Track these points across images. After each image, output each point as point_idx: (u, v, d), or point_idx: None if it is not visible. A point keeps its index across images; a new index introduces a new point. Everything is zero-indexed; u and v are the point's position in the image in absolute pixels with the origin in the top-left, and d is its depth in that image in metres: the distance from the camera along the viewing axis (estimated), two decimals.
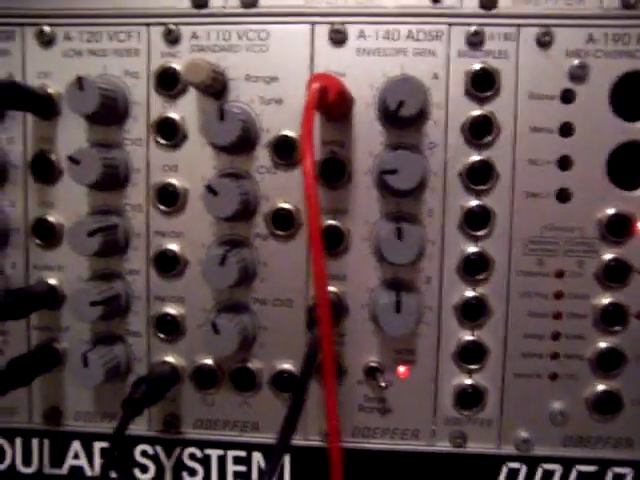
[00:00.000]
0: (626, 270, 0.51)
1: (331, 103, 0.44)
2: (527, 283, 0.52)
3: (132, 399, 0.48)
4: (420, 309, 0.51)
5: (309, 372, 0.45)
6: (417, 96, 0.47)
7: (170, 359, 0.55)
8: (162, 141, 0.53)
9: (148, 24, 0.53)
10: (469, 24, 0.51)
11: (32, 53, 0.54)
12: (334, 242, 0.53)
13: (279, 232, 0.53)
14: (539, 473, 0.54)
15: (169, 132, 0.53)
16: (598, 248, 0.52)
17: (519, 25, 0.51)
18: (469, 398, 0.53)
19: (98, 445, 0.57)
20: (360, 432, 0.55)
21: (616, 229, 0.51)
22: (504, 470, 0.54)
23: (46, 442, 0.57)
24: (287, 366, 0.54)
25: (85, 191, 0.54)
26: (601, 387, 0.53)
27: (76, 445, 0.57)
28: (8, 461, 0.57)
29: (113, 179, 0.53)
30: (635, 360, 0.52)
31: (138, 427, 0.56)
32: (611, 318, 0.52)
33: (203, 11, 0.52)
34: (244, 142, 0.51)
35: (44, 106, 0.53)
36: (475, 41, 0.51)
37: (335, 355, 0.53)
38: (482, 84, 0.51)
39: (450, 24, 0.51)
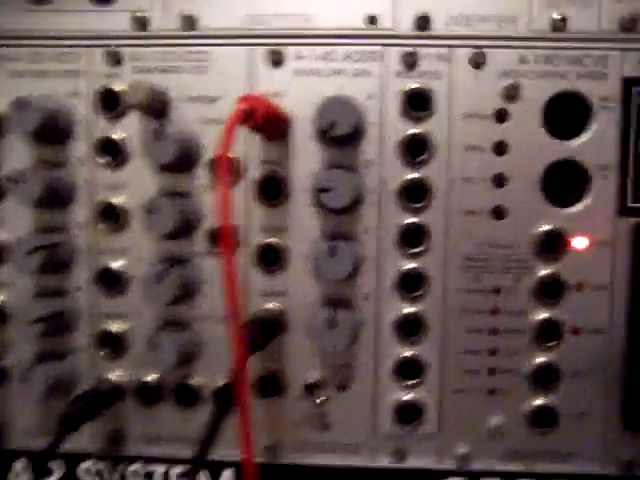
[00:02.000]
0: (560, 286, 0.52)
1: (259, 125, 0.45)
2: (464, 299, 0.53)
3: (67, 415, 0.49)
4: (356, 325, 0.51)
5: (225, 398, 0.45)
6: (348, 116, 0.48)
7: (114, 375, 0.55)
8: (105, 160, 0.54)
9: (90, 46, 0.54)
10: (404, 45, 0.52)
11: None
12: (273, 259, 0.53)
13: (218, 249, 0.53)
14: None
15: (112, 151, 0.54)
16: (533, 264, 0.52)
17: (452, 46, 0.52)
18: (408, 413, 0.54)
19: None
20: (300, 447, 0.55)
21: (550, 245, 0.52)
22: None
23: None
24: None
25: (30, 209, 0.54)
26: (538, 401, 0.53)
27: (21, 462, 0.57)
28: None
29: (56, 198, 0.53)
30: (570, 375, 0.53)
31: (82, 443, 0.56)
32: (547, 333, 0.52)
33: (144, 33, 0.53)
34: (184, 161, 0.52)
35: None
36: (410, 61, 0.52)
37: (273, 370, 0.54)
38: (417, 104, 0.52)
39: (385, 45, 0.52)
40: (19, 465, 0.57)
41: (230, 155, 0.51)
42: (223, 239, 0.41)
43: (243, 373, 0.40)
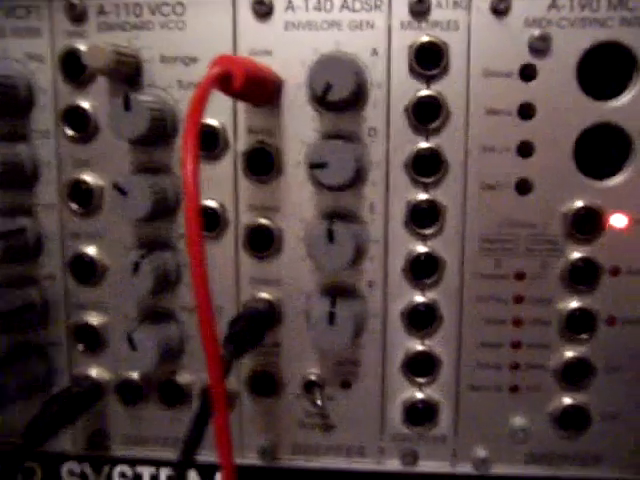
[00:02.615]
0: (595, 271, 0.45)
1: (239, 91, 0.38)
2: (483, 286, 0.46)
3: (34, 426, 0.44)
4: (359, 319, 0.45)
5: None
6: (347, 77, 0.41)
7: (92, 372, 0.50)
8: (72, 133, 0.47)
9: None
10: None
11: None
12: (265, 243, 0.47)
13: (204, 232, 0.47)
14: None
15: (80, 123, 0.47)
16: (563, 246, 0.46)
17: None
18: (420, 413, 0.48)
19: None
20: (301, 449, 0.50)
21: (584, 224, 0.45)
22: None
23: None
24: None
25: None
26: (567, 400, 0.47)
27: None
28: None
29: (19, 176, 0.47)
30: (604, 371, 0.46)
31: (63, 444, 0.51)
32: (578, 324, 0.46)
33: None
34: (159, 133, 0.45)
35: None
36: (420, 10, 0.44)
37: (268, 367, 0.48)
38: (429, 60, 0.44)
39: None
40: None
41: (205, 126, 0.45)
42: (189, 225, 0.34)
43: (220, 385, 0.34)
